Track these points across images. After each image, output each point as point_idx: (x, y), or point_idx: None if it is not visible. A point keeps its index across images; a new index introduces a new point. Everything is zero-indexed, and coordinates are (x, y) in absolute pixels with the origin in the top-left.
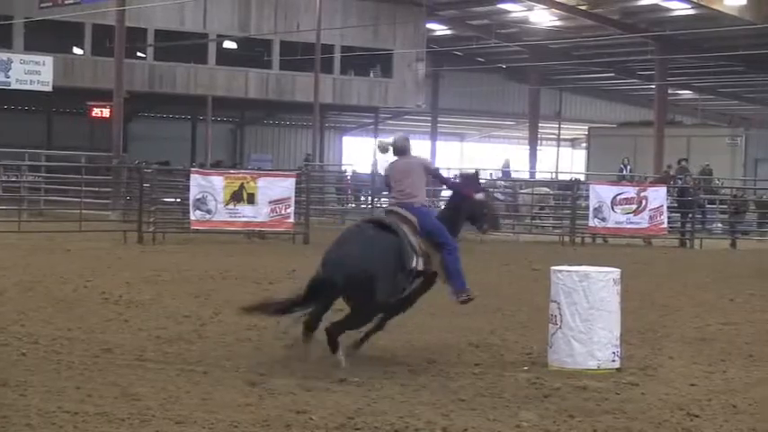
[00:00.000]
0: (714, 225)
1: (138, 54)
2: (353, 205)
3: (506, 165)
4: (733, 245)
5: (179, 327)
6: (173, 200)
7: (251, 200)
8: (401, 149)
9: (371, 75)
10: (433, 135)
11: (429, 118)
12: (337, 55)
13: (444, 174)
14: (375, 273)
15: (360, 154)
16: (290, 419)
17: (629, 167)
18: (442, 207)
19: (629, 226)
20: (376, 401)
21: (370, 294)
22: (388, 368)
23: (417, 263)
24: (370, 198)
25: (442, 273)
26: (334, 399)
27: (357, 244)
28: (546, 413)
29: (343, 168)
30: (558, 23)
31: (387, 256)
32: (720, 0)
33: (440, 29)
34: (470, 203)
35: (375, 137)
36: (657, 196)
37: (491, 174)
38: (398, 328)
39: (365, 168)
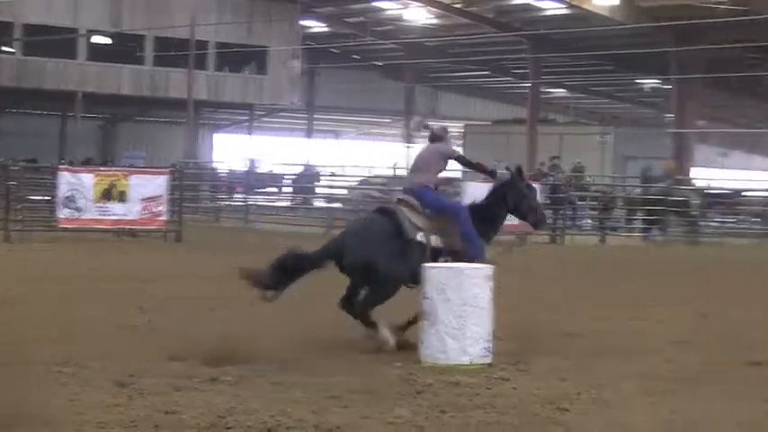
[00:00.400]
0: (584, 221)
1: (6, 48)
2: (228, 203)
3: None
4: (602, 241)
5: (46, 327)
6: (40, 198)
7: (122, 197)
8: (434, 137)
9: (246, 71)
10: (309, 132)
11: (305, 115)
12: (212, 51)
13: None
14: (373, 254)
15: (233, 151)
16: (159, 420)
17: (502, 164)
18: (482, 199)
19: None
20: (247, 400)
21: (377, 272)
22: (259, 366)
23: (424, 238)
24: (244, 195)
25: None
26: (204, 398)
27: (355, 231)
28: (419, 409)
29: (214, 165)
30: (433, 21)
31: (385, 235)
32: (590, 0)
33: (316, 26)
34: (516, 192)
35: (249, 134)
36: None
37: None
38: (270, 326)
39: (240, 166)
